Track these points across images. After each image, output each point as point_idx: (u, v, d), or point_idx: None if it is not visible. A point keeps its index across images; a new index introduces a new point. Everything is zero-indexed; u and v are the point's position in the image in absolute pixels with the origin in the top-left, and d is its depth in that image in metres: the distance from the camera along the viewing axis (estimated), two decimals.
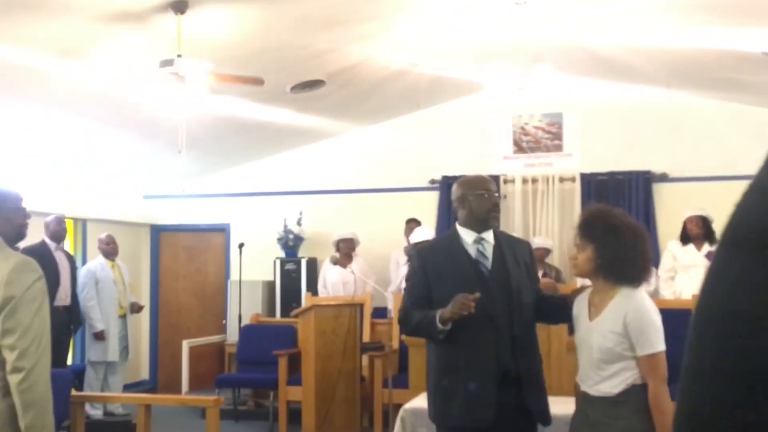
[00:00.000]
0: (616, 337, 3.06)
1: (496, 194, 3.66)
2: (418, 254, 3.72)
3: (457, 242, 3.59)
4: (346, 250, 8.63)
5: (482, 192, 3.59)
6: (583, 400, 3.23)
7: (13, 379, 2.78)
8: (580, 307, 3.31)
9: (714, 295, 0.76)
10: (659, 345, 3.07)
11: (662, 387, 3.04)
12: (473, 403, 3.41)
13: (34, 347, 2.80)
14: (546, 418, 3.56)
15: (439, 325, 3.35)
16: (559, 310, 3.55)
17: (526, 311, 3.51)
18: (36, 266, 2.93)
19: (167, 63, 5.38)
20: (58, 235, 7.68)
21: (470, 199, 3.58)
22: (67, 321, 7.67)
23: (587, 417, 3.18)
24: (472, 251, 3.56)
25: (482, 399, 3.40)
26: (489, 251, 3.55)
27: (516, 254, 3.58)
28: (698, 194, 8.22)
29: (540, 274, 8.14)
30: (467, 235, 3.58)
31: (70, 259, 7.96)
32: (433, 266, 3.56)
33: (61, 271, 7.61)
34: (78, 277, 8.10)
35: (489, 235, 3.58)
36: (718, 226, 7.67)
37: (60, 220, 7.75)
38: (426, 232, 7.08)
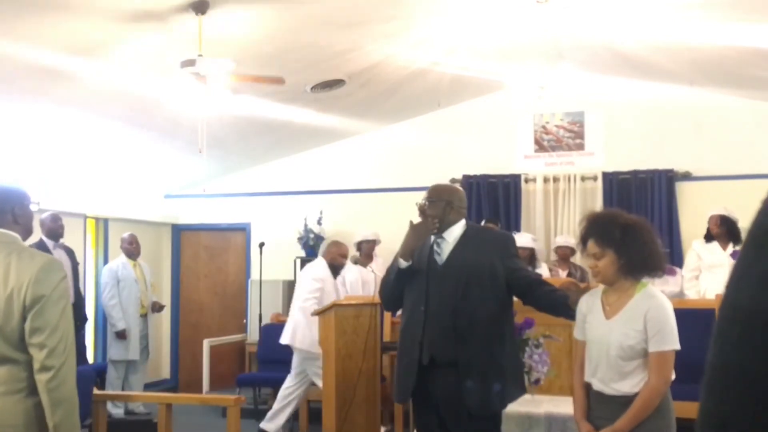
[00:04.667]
0: (638, 334, 3.10)
1: (422, 202, 3.95)
2: None
3: (428, 240, 3.96)
4: (367, 251, 8.70)
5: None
6: (596, 400, 3.22)
7: (42, 377, 2.80)
8: (589, 306, 3.32)
9: (738, 294, 0.75)
10: (673, 344, 3.11)
11: (663, 387, 3.09)
12: (400, 384, 3.88)
13: (62, 346, 2.84)
14: (485, 409, 3.69)
15: (400, 260, 3.80)
16: (555, 304, 3.69)
17: (474, 304, 3.72)
18: (61, 266, 2.99)
19: (188, 63, 5.40)
20: (54, 233, 7.42)
21: None
22: (74, 317, 7.57)
23: (602, 416, 3.18)
24: (434, 248, 3.93)
25: (403, 382, 3.84)
26: (444, 248, 3.88)
27: (485, 249, 3.84)
28: (722, 193, 8.14)
29: (564, 273, 8.18)
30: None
31: (71, 255, 7.64)
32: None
33: None
34: (96, 275, 8.08)
35: (452, 234, 3.89)
36: (743, 225, 7.61)
37: (56, 217, 7.46)
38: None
